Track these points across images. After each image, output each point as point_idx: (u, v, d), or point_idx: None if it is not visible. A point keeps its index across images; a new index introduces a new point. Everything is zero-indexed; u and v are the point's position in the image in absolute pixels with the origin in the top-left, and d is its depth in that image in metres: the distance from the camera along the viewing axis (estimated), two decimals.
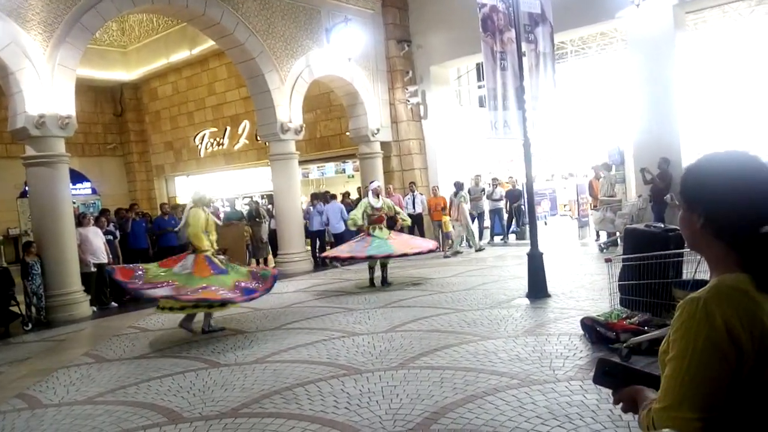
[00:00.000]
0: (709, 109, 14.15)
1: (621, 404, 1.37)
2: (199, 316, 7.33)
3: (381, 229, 9.87)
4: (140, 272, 7.06)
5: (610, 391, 1.41)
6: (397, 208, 10.46)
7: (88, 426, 4.43)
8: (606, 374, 1.36)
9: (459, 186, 13.56)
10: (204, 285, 6.80)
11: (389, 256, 9.68)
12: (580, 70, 19.12)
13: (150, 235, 12.02)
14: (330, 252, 10.54)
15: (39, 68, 9.15)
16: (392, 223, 10.62)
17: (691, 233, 1.31)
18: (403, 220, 10.48)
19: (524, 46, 8.24)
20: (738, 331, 1.14)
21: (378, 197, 10.02)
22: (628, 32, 12.49)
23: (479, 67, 16.99)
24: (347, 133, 15.06)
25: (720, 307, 1.16)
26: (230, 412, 4.43)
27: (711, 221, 1.25)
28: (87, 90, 18.01)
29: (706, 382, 1.14)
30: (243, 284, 7.06)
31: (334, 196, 14.41)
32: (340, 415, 4.18)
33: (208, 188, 8.40)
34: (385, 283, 9.79)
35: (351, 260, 10.34)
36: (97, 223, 10.61)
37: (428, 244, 10.35)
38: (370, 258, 9.68)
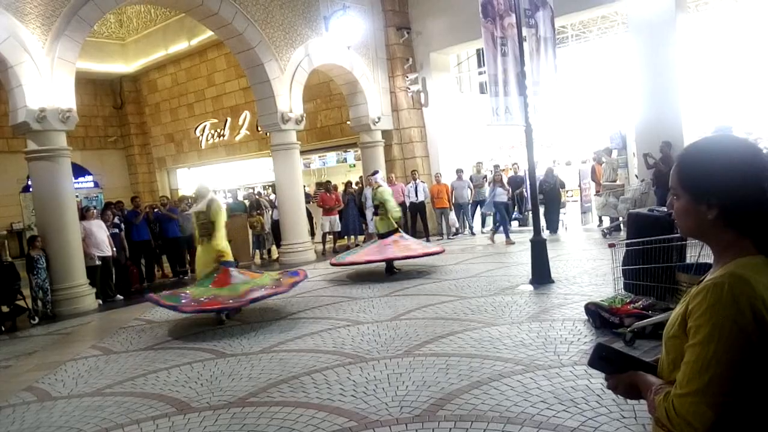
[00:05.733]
0: (711, 92, 14.08)
1: (616, 389, 1.37)
2: None
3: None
4: (185, 294, 7.34)
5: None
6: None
7: (98, 417, 4.48)
8: (602, 359, 1.37)
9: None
10: (214, 295, 7.09)
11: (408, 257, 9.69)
12: (581, 54, 19.00)
13: (153, 228, 12.08)
14: (356, 257, 9.79)
15: (38, 62, 9.12)
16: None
17: (697, 224, 1.30)
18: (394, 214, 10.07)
19: (525, 31, 8.19)
20: (762, 313, 1.14)
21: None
22: (629, 15, 12.39)
23: (480, 53, 16.91)
24: (348, 122, 15.02)
25: (744, 290, 1.16)
26: (238, 401, 4.48)
27: (726, 212, 1.24)
28: (86, 83, 17.97)
29: (734, 366, 1.13)
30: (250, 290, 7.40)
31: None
32: (346, 402, 4.21)
33: (209, 180, 8.51)
34: (392, 271, 9.82)
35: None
36: (103, 216, 10.67)
37: (429, 249, 9.97)
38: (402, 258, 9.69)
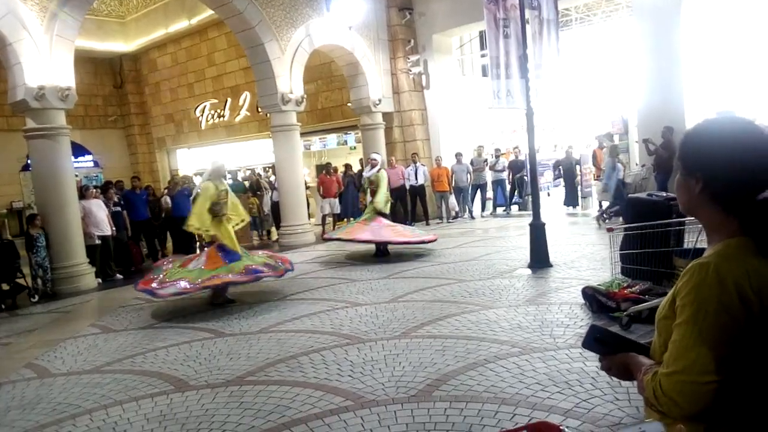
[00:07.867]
0: (715, 77, 13.97)
1: (609, 370, 1.39)
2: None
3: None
4: (160, 276, 7.11)
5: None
6: (383, 187, 9.89)
7: (97, 394, 4.52)
8: (596, 341, 1.39)
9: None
10: (213, 275, 6.85)
11: (370, 241, 9.66)
12: (585, 37, 18.83)
13: (153, 207, 12.04)
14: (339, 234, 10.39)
15: (37, 39, 9.04)
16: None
17: (688, 198, 1.33)
18: (377, 202, 9.72)
19: (528, 13, 8.12)
20: (747, 293, 1.15)
21: (371, 168, 10.01)
22: None
23: (482, 36, 16.74)
24: (349, 104, 14.93)
25: (730, 270, 1.17)
26: (236, 380, 4.52)
27: (709, 187, 1.26)
28: (86, 61, 17.83)
29: (720, 345, 1.14)
30: (253, 267, 7.12)
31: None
32: (343, 382, 4.25)
33: (222, 159, 8.39)
34: (384, 254, 9.83)
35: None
36: (106, 195, 10.64)
37: (423, 237, 9.82)
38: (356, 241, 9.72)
